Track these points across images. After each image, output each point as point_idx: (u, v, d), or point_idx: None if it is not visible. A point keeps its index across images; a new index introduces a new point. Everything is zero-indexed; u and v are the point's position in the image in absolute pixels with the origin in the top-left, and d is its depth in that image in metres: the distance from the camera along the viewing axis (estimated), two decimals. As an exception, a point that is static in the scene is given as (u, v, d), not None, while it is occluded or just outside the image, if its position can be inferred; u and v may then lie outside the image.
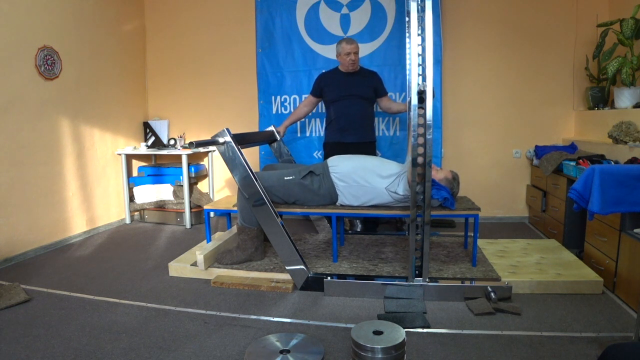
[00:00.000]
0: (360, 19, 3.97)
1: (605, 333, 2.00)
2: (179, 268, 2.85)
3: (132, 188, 4.36)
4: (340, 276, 2.56)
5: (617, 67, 3.25)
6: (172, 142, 4.45)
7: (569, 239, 3.21)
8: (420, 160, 2.23)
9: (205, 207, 3.07)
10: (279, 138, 3.40)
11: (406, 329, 1.99)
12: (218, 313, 2.29)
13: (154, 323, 2.18)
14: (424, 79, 2.21)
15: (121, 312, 2.31)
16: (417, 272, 2.41)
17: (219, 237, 3.16)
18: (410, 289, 2.40)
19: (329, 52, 4.01)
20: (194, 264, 2.82)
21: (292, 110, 4.01)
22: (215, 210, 3.09)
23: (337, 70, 3.36)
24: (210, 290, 2.59)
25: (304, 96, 4.02)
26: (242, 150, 2.55)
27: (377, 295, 2.44)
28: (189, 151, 4.15)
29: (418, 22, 2.17)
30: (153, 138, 4.60)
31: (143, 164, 4.59)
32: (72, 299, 2.49)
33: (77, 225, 3.77)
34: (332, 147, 3.30)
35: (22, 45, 3.18)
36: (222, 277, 2.72)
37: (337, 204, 2.77)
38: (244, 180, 2.54)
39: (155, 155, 4.62)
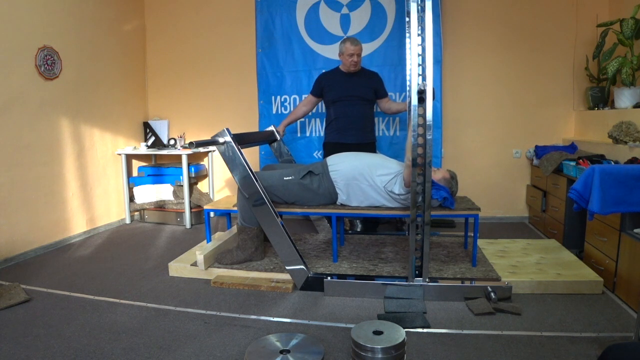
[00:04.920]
0: (360, 19, 3.97)
1: (605, 333, 2.00)
2: (179, 268, 2.85)
3: (132, 188, 4.36)
4: (340, 276, 2.56)
5: (617, 67, 3.25)
6: (172, 142, 4.46)
7: (569, 239, 3.21)
8: (420, 160, 2.23)
9: (205, 207, 3.07)
10: (279, 138, 3.40)
11: (406, 329, 1.99)
12: (218, 313, 2.29)
13: (154, 323, 2.18)
14: (424, 79, 2.22)
15: (121, 312, 2.31)
16: (417, 272, 2.42)
17: (219, 237, 3.16)
18: (410, 289, 2.40)
19: (329, 52, 4.01)
20: (194, 264, 2.82)
21: (292, 110, 4.01)
22: (215, 210, 3.09)
23: (338, 70, 3.36)
24: (210, 290, 2.59)
25: (304, 96, 4.02)
26: (242, 150, 2.55)
27: (377, 295, 2.44)
28: (189, 151, 4.15)
29: (418, 22, 2.17)
30: (153, 138, 4.60)
31: (143, 164, 4.59)
32: (72, 299, 2.49)
33: (77, 225, 3.77)
34: (332, 148, 3.30)
35: (22, 45, 3.18)
36: (222, 277, 2.72)
37: (337, 202, 2.77)
38: (244, 180, 2.54)
39: (155, 155, 4.62)
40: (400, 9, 3.88)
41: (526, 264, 2.69)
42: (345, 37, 3.70)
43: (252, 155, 4.31)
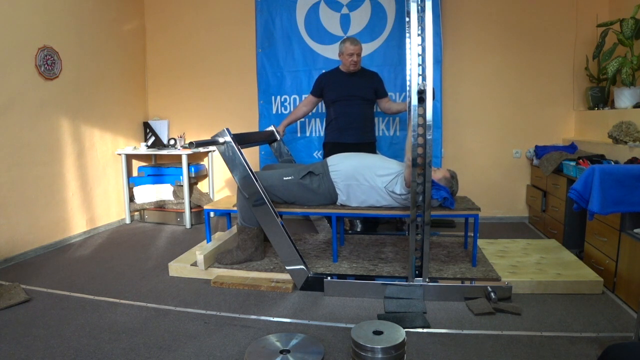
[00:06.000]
0: (360, 19, 3.97)
1: (605, 333, 2.00)
2: (179, 268, 2.85)
3: (132, 188, 4.36)
4: (340, 276, 2.56)
5: (617, 67, 3.25)
6: (172, 142, 4.46)
7: (569, 239, 3.21)
8: (420, 160, 2.23)
9: (205, 207, 3.07)
10: (279, 138, 3.40)
11: (406, 329, 1.99)
12: (218, 313, 2.29)
13: (154, 323, 2.18)
14: (424, 79, 2.22)
15: (121, 312, 2.31)
16: (417, 272, 2.41)
17: (219, 237, 3.16)
18: (410, 289, 2.40)
19: (329, 52, 4.02)
20: (194, 264, 2.82)
21: (292, 110, 4.01)
22: (215, 210, 3.09)
23: (338, 70, 3.36)
24: (210, 290, 2.59)
25: (304, 96, 4.02)
26: (242, 150, 2.55)
27: (377, 295, 2.44)
28: (189, 151, 4.15)
29: (418, 22, 2.17)
30: (153, 138, 4.60)
31: (143, 164, 4.59)
32: (72, 299, 2.49)
33: (77, 225, 3.77)
34: (332, 147, 3.30)
35: (22, 45, 3.18)
36: (222, 277, 2.72)
37: (337, 203, 2.77)
38: (244, 180, 2.54)
39: (155, 155, 4.62)
40: (400, 9, 3.88)
41: (526, 264, 2.69)
42: (345, 37, 3.70)
43: (252, 155, 4.31)
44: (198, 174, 4.37)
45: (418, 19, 2.17)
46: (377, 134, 3.75)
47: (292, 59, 4.11)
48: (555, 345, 1.90)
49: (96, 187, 3.99)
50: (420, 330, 2.06)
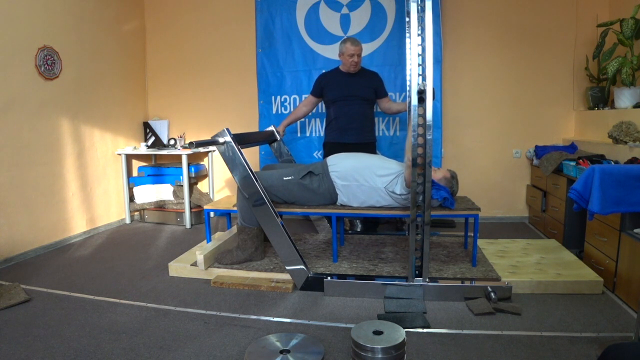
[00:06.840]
0: (360, 19, 3.97)
1: (605, 333, 2.00)
2: (179, 268, 2.85)
3: (132, 188, 4.36)
4: (340, 276, 2.56)
5: (617, 67, 3.25)
6: (172, 142, 4.46)
7: (569, 239, 3.21)
8: (420, 160, 2.23)
9: (205, 207, 3.07)
10: (279, 138, 3.40)
11: (406, 329, 1.99)
12: (218, 313, 2.29)
13: (154, 323, 2.18)
14: (424, 79, 2.22)
15: (121, 312, 2.31)
16: (417, 272, 2.42)
17: (219, 237, 3.16)
18: (410, 289, 2.40)
19: (329, 52, 4.02)
20: (194, 264, 2.82)
21: (292, 110, 4.01)
22: (215, 210, 3.09)
23: (338, 70, 3.36)
24: (210, 290, 2.59)
25: (304, 96, 4.02)
26: (242, 150, 2.55)
27: (377, 295, 2.44)
28: (189, 151, 4.15)
29: (418, 22, 2.17)
30: (153, 138, 4.60)
31: (143, 164, 4.59)
32: (72, 299, 2.49)
33: (77, 225, 3.77)
34: (332, 147, 3.30)
35: (22, 45, 3.18)
36: (222, 277, 2.72)
37: (337, 203, 2.77)
38: (244, 180, 2.54)
39: (155, 155, 4.62)
40: (400, 9, 3.88)
41: (526, 264, 2.69)
42: (345, 37, 3.70)
43: (252, 155, 4.31)
44: (198, 174, 4.37)
45: (418, 19, 2.17)
46: (377, 134, 3.75)
47: (292, 59, 4.11)
48: (555, 345, 1.90)
49: (96, 187, 3.99)
50: (420, 330, 2.06)
